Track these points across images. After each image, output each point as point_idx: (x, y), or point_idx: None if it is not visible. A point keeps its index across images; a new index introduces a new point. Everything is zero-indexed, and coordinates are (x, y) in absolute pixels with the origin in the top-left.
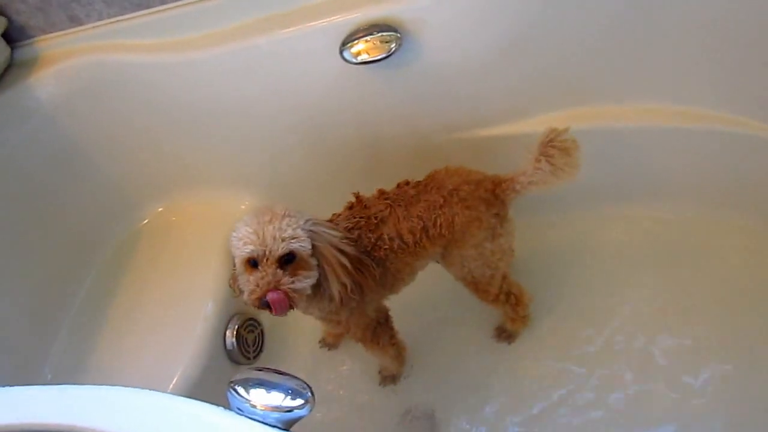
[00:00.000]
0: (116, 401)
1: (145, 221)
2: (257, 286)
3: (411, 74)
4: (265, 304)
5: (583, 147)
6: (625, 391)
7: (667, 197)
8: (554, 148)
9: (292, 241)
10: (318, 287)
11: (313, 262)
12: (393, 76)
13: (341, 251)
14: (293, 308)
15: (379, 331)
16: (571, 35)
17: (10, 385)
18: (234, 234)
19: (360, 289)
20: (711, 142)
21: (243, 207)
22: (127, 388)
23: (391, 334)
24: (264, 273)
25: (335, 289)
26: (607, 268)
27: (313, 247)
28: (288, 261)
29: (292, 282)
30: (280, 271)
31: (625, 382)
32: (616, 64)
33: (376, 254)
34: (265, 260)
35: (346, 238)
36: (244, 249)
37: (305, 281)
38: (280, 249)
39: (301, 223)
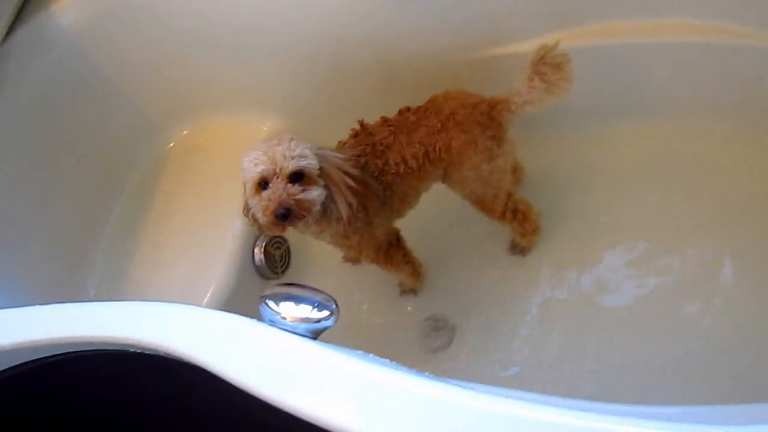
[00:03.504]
0: (162, 316)
1: (171, 144)
2: (269, 200)
3: None
4: (280, 215)
5: (589, 64)
6: (636, 294)
7: (666, 111)
8: (546, 65)
9: (301, 159)
10: (326, 210)
11: (321, 182)
12: None
13: (347, 173)
14: (305, 217)
15: (392, 252)
16: None
17: (59, 302)
18: (245, 158)
19: (365, 209)
20: (705, 54)
21: (265, 128)
22: (169, 303)
23: (405, 253)
24: (275, 188)
25: (342, 208)
26: (614, 181)
27: (320, 169)
28: (297, 179)
29: (303, 191)
30: (290, 185)
31: (635, 290)
32: None
33: (383, 179)
34: (275, 178)
35: (352, 161)
36: (254, 170)
37: (314, 192)
38: (290, 166)
39: (309, 146)
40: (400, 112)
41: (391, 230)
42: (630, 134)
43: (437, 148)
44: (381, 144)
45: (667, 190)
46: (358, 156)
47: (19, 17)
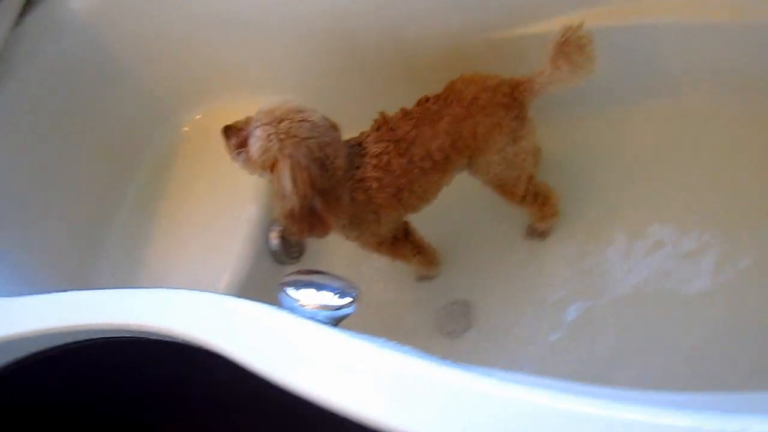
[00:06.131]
0: (181, 303)
1: (185, 128)
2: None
3: None
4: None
5: (609, 45)
6: (656, 283)
7: (687, 92)
8: (571, 46)
9: (254, 144)
10: None
11: (263, 175)
12: None
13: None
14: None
15: (398, 245)
16: None
17: (73, 288)
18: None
19: (305, 231)
20: (732, 35)
21: None
22: (188, 290)
23: (414, 245)
24: (232, 138)
25: (277, 215)
26: (632, 162)
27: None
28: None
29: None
30: (233, 144)
31: (657, 273)
32: None
33: (404, 179)
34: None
35: (323, 175)
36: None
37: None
38: (250, 132)
39: (275, 147)
40: (419, 102)
41: (399, 225)
42: (648, 115)
43: (463, 136)
44: (404, 140)
45: (687, 171)
46: (380, 154)
47: (30, 0)
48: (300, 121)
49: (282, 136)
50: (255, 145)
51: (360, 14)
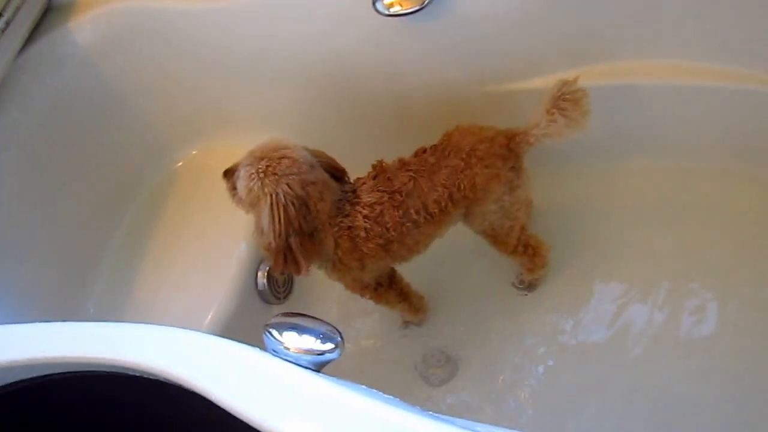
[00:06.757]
0: (164, 341)
1: (180, 164)
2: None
3: (443, 27)
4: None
5: (600, 102)
6: (643, 336)
7: (671, 151)
8: (566, 101)
9: (239, 184)
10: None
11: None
12: (425, 29)
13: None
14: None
15: (381, 292)
16: None
17: (56, 320)
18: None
19: (278, 266)
20: (721, 98)
21: None
22: (172, 327)
23: (399, 291)
24: (230, 180)
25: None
26: (621, 217)
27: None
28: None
29: (234, 186)
30: (229, 187)
31: (644, 326)
32: (643, 18)
33: (395, 231)
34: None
35: (305, 217)
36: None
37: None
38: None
39: (257, 186)
40: (416, 153)
41: (384, 272)
42: (635, 171)
43: (462, 187)
44: (400, 193)
45: (674, 225)
46: (374, 204)
47: (36, 30)
48: (279, 158)
49: (262, 175)
50: (240, 186)
51: (359, 62)
